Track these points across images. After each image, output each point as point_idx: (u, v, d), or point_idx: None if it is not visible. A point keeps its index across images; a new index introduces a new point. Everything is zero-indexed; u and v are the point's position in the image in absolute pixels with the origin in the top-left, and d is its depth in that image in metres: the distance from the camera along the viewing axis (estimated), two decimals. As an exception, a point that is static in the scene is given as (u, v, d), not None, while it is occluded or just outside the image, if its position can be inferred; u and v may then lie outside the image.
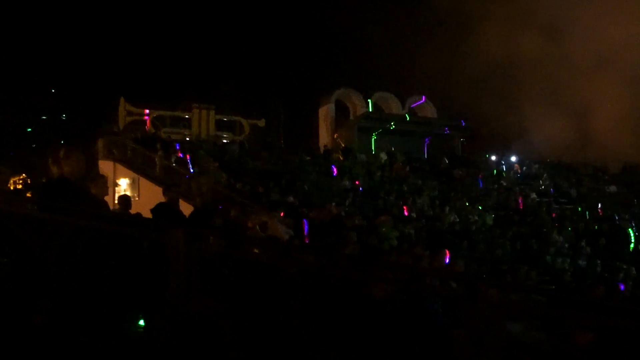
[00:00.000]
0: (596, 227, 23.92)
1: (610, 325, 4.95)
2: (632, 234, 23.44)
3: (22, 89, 41.47)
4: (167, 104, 34.67)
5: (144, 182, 25.60)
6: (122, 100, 34.21)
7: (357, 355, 5.49)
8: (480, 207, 24.08)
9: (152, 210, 8.04)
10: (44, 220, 5.02)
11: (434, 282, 6.08)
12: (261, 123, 35.71)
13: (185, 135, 32.52)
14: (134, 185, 26.47)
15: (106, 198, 8.13)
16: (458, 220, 22.30)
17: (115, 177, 25.91)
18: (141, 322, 6.12)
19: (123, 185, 26.77)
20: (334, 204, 20.34)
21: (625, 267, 20.39)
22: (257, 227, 11.92)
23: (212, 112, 34.59)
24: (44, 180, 7.74)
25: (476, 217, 22.97)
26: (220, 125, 34.84)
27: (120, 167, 27.17)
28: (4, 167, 8.37)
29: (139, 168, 26.18)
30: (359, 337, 5.33)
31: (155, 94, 35.60)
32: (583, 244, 21.88)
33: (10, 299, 5.33)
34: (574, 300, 6.90)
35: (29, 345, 5.13)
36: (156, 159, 25.43)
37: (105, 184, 8.24)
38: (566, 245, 21.89)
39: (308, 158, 27.46)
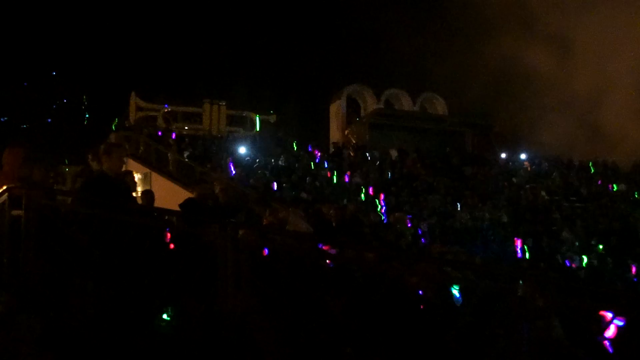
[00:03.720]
0: (607, 225, 23.88)
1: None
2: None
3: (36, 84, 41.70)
4: (178, 99, 34.76)
5: (155, 177, 25.66)
6: (132, 94, 34.30)
7: (390, 349, 5.57)
8: (492, 205, 24.08)
9: (180, 206, 8.11)
10: (90, 216, 5.11)
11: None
12: (272, 118, 35.77)
13: (197, 131, 32.60)
14: (145, 180, 26.53)
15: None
16: (470, 217, 22.34)
17: (128, 172, 26.01)
18: (165, 317, 6.20)
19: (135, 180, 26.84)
20: (345, 200, 20.41)
21: (636, 265, 20.46)
22: (276, 223, 11.90)
23: (223, 107, 34.67)
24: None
25: (488, 215, 22.99)
26: (231, 121, 34.94)
27: (131, 162, 27.26)
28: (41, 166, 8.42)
29: (151, 163, 26.26)
30: (395, 330, 5.41)
31: (166, 89, 35.69)
32: (594, 242, 21.90)
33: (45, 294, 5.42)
34: (598, 294, 7.00)
35: (70, 337, 5.23)
36: (169, 154, 25.54)
37: (134, 180, 8.34)
38: (577, 243, 21.89)
39: (320, 154, 27.53)
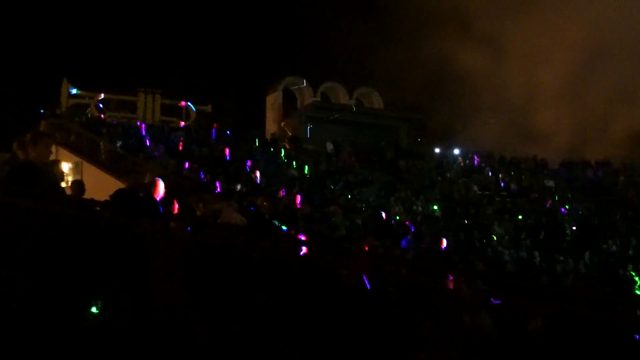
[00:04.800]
0: (536, 220, 24.52)
1: (560, 310, 5.18)
2: (568, 227, 24.17)
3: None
4: (112, 87, 34.07)
5: (87, 166, 25.11)
6: (64, 81, 33.48)
7: (322, 341, 5.59)
8: (425, 199, 24.42)
9: (111, 197, 7.93)
10: (15, 206, 4.95)
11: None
12: (208, 109, 35.42)
13: (131, 120, 32.01)
14: (76, 169, 25.91)
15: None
16: (403, 211, 22.58)
17: (58, 161, 25.33)
18: (94, 310, 6.06)
19: (65, 170, 26.16)
20: (281, 193, 20.40)
21: (562, 258, 21.09)
22: (209, 215, 11.77)
23: (158, 97, 34.18)
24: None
25: (420, 208, 23.30)
26: (166, 110, 34.48)
27: (62, 151, 26.56)
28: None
29: (83, 152, 25.66)
30: (327, 323, 5.43)
31: (100, 77, 34.89)
32: (523, 236, 22.46)
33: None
34: (524, 287, 7.16)
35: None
36: (101, 144, 25.01)
37: (61, 169, 8.13)
38: (506, 237, 22.39)
39: (256, 146, 27.41)
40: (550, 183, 30.84)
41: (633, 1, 34.53)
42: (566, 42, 36.50)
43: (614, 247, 22.13)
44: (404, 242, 16.45)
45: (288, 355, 5.48)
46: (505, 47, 37.41)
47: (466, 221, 22.93)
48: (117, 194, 7.92)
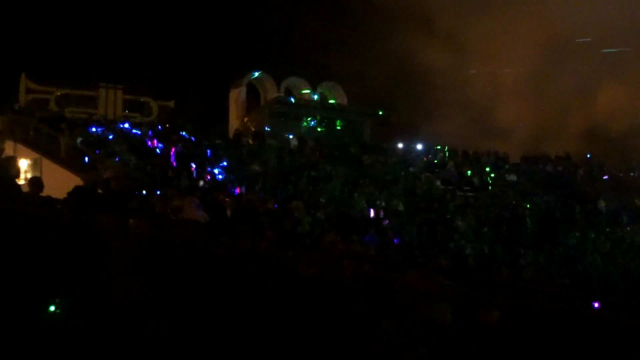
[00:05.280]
0: (497, 214, 24.81)
1: (517, 304, 5.24)
2: (529, 221, 24.52)
3: None
4: (72, 82, 33.54)
5: (47, 163, 24.66)
6: (22, 76, 32.90)
7: (283, 336, 5.58)
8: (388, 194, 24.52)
9: (69, 194, 7.83)
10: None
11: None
12: (170, 104, 35.12)
13: (91, 116, 31.56)
14: (35, 166, 25.44)
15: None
16: (366, 206, 22.65)
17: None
18: (53, 308, 5.97)
19: (24, 167, 25.66)
20: (243, 188, 20.33)
21: (523, 251, 21.42)
22: (169, 211, 11.65)
23: (119, 92, 33.76)
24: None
25: (384, 204, 23.39)
26: (128, 106, 34.11)
27: (21, 147, 26.06)
28: None
29: (42, 149, 25.22)
30: (288, 319, 5.41)
31: (59, 71, 34.25)
32: (485, 230, 22.73)
33: None
34: (483, 281, 7.23)
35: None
36: (61, 140, 24.60)
37: (16, 166, 8.01)
38: (469, 231, 22.62)
39: (219, 141, 27.24)
40: (512, 177, 31.21)
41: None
42: (526, 39, 37.16)
43: (573, 240, 22.54)
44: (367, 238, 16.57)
45: (248, 351, 5.46)
46: (466, 44, 37.92)
47: (429, 216, 23.11)
48: (75, 191, 7.83)
